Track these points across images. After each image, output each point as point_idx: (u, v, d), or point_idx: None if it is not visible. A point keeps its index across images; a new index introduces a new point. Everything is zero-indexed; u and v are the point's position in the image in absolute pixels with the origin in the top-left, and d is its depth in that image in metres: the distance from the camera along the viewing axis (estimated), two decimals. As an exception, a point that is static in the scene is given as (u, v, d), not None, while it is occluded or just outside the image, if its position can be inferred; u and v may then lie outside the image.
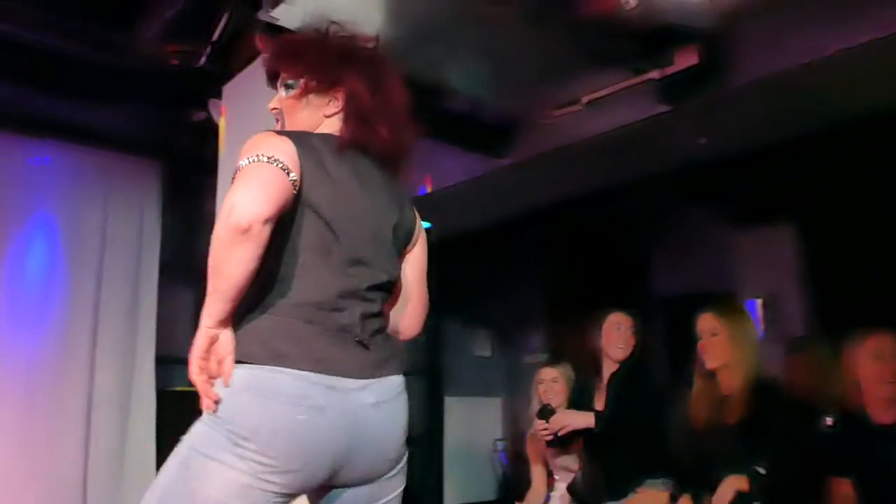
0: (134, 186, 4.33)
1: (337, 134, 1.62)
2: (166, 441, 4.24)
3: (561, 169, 4.07)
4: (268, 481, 1.37)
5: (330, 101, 1.64)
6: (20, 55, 3.04)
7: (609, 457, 3.21)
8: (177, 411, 4.37)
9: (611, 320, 3.37)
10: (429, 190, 4.28)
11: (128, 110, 3.68)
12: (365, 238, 1.56)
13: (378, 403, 1.51)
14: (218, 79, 3.19)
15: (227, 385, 1.39)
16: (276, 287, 1.45)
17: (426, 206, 4.82)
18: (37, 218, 4.00)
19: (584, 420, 3.21)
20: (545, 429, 3.31)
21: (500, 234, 5.21)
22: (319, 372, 1.43)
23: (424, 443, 6.06)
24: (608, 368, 3.36)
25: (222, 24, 2.85)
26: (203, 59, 3.02)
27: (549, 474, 3.58)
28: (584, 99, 3.38)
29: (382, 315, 1.62)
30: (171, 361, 4.39)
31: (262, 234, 1.35)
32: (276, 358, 1.40)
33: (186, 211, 4.46)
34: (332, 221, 1.50)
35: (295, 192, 1.43)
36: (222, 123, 3.20)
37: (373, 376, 1.52)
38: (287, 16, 2.48)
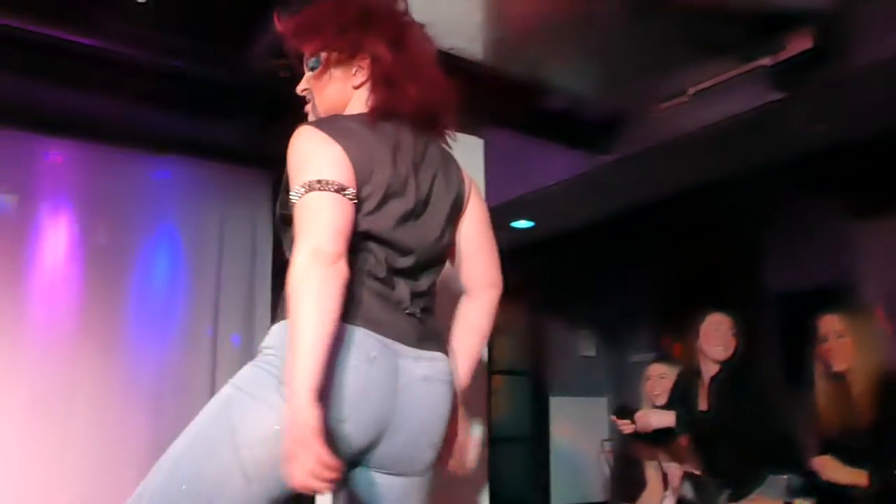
0: (247, 196, 4.50)
1: (367, 107, 1.57)
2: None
3: (667, 163, 3.98)
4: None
5: (356, 70, 1.59)
6: (142, 77, 3.22)
7: (718, 458, 3.13)
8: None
9: (710, 321, 3.31)
10: (531, 189, 4.26)
11: (240, 124, 3.82)
12: (413, 217, 1.53)
13: (428, 379, 1.50)
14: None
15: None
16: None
17: (529, 206, 4.89)
18: (160, 230, 4.23)
19: (664, 419, 3.16)
20: (627, 425, 3.28)
21: (604, 231, 5.14)
22: (377, 332, 1.43)
23: (530, 443, 6.04)
24: (709, 369, 3.29)
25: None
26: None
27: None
28: (692, 90, 3.30)
29: (431, 295, 1.61)
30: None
31: (346, 272, 1.35)
32: (346, 317, 1.38)
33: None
34: (384, 212, 1.48)
35: (354, 203, 1.42)
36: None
37: (424, 348, 1.51)
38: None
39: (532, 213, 5.06)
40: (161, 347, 4.13)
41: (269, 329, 1.52)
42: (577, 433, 6.02)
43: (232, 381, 1.43)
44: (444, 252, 1.63)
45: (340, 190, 1.38)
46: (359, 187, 1.44)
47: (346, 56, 1.58)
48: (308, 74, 1.64)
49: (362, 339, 1.41)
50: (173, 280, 4.26)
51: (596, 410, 6.11)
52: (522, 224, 5.30)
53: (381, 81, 1.56)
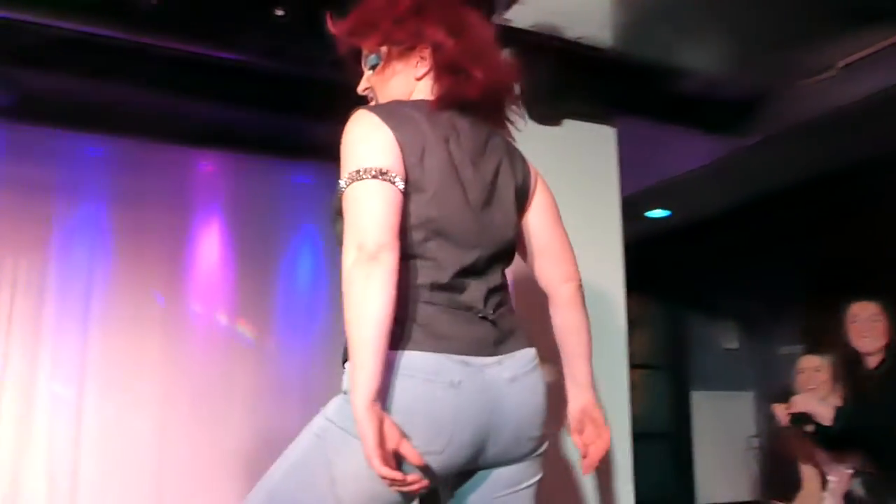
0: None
1: (431, 96, 1.51)
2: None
3: (812, 143, 3.77)
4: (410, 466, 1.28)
5: (417, 62, 1.53)
6: (282, 88, 3.40)
7: (888, 453, 2.93)
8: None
9: (859, 309, 3.12)
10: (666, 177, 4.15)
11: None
12: (477, 208, 1.46)
13: (514, 378, 1.44)
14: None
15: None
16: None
17: (664, 194, 4.75)
18: (303, 232, 4.45)
19: (822, 411, 2.97)
20: (789, 409, 3.11)
21: (744, 217, 4.92)
22: (448, 352, 1.36)
23: (672, 439, 5.87)
24: (864, 360, 3.10)
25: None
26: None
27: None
28: (840, 63, 3.09)
29: (504, 288, 1.53)
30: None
31: (393, 262, 1.28)
32: (406, 341, 1.33)
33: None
34: (440, 199, 1.41)
35: (403, 192, 1.36)
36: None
37: (502, 352, 1.44)
38: (520, 16, 2.54)
39: (667, 202, 4.92)
40: (307, 344, 4.34)
41: None
42: (722, 429, 5.80)
43: (325, 412, 1.39)
44: (512, 244, 1.55)
45: (382, 174, 1.32)
46: (411, 169, 1.38)
47: (406, 48, 1.52)
48: (368, 73, 1.59)
49: (441, 365, 1.34)
50: (316, 279, 4.46)
51: (741, 405, 5.86)
52: (657, 213, 5.16)
53: (445, 69, 1.50)
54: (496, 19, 2.57)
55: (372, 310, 1.25)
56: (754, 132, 3.66)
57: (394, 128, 1.38)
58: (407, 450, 1.26)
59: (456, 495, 1.49)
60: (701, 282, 5.81)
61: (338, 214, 1.39)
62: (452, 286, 1.41)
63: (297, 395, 4.21)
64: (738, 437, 5.76)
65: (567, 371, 1.67)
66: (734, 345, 6.02)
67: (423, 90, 1.53)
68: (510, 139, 1.63)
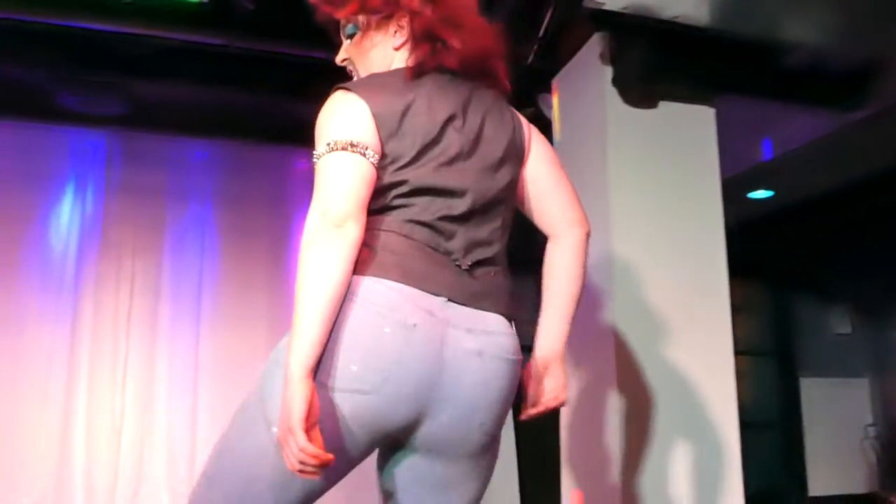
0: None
1: (408, 65, 1.47)
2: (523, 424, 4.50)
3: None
4: (334, 399, 1.23)
5: (396, 31, 1.50)
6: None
7: None
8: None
9: None
10: (772, 155, 3.99)
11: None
12: (460, 160, 1.40)
13: (482, 354, 1.34)
14: (546, 73, 3.30)
15: None
16: (381, 210, 1.35)
17: (767, 174, 4.57)
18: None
19: None
20: None
21: (855, 196, 4.67)
22: (414, 287, 1.30)
23: (781, 428, 5.66)
24: None
25: (547, 19, 2.95)
26: (531, 58, 3.15)
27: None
28: (959, 28, 2.89)
29: (493, 246, 1.44)
30: (525, 350, 4.63)
31: (357, 233, 1.25)
32: (370, 267, 1.30)
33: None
34: (421, 162, 1.37)
35: (376, 164, 1.33)
36: (555, 115, 3.31)
37: (479, 307, 1.36)
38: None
39: (771, 182, 4.73)
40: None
41: None
42: (834, 418, 5.55)
43: (273, 354, 1.35)
44: (504, 194, 1.47)
45: (352, 146, 1.29)
46: (387, 140, 1.34)
47: (384, 17, 1.49)
48: (346, 43, 1.55)
49: (397, 301, 1.28)
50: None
51: (854, 392, 5.59)
52: (760, 194, 4.97)
53: (422, 37, 1.46)
54: (588, 3, 2.54)
55: (327, 277, 1.21)
56: (864, 106, 3.46)
57: (367, 100, 1.35)
58: (317, 437, 1.17)
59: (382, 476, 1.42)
60: (809, 264, 5.58)
61: None
62: (434, 227, 1.36)
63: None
64: (852, 426, 5.50)
65: (545, 318, 1.58)
66: (846, 329, 5.74)
67: (402, 60, 1.49)
68: (501, 98, 1.56)
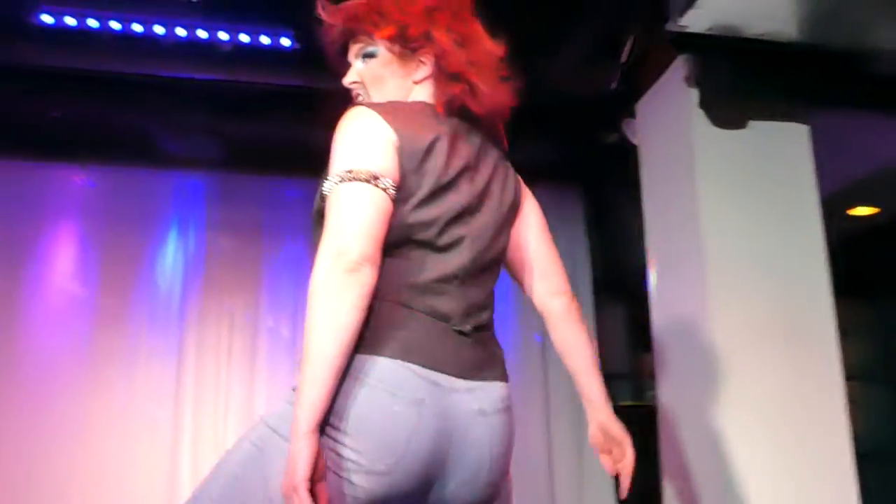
0: (560, 212, 4.63)
1: (429, 101, 1.43)
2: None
3: None
4: (349, 481, 1.15)
5: (418, 64, 1.44)
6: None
7: None
8: (623, 424, 4.52)
9: None
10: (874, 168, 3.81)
11: (547, 143, 3.98)
12: (467, 215, 1.35)
13: (484, 412, 1.30)
14: (629, 98, 3.28)
15: None
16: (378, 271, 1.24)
17: (870, 190, 4.37)
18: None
19: None
20: None
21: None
22: (417, 364, 1.23)
23: (890, 461, 5.31)
24: None
25: (629, 45, 2.94)
26: (614, 83, 3.14)
27: None
28: None
29: (488, 308, 1.40)
30: (612, 377, 4.57)
31: (372, 278, 1.19)
32: (372, 345, 1.21)
33: (611, 229, 4.65)
34: (431, 205, 1.30)
35: (394, 196, 1.25)
36: (640, 141, 3.28)
37: (476, 378, 1.31)
38: (697, 21, 2.47)
39: (874, 198, 4.51)
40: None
41: None
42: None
43: (266, 418, 1.27)
44: (500, 255, 1.45)
45: (374, 179, 1.22)
46: (407, 175, 1.28)
47: (410, 48, 1.43)
48: (359, 65, 1.48)
49: (406, 378, 1.21)
50: (502, 292, 4.52)
51: None
52: (863, 211, 4.75)
53: (451, 77, 1.41)
54: (671, 27, 2.52)
55: (341, 324, 1.14)
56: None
57: (396, 129, 1.29)
58: (322, 493, 1.12)
59: None
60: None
61: (320, 216, 1.28)
62: (431, 290, 1.29)
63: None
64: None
65: (579, 390, 1.59)
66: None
67: (421, 94, 1.45)
68: (503, 151, 1.54)
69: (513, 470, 1.40)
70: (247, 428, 1.29)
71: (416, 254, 1.30)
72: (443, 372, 1.26)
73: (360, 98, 1.48)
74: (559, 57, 3.21)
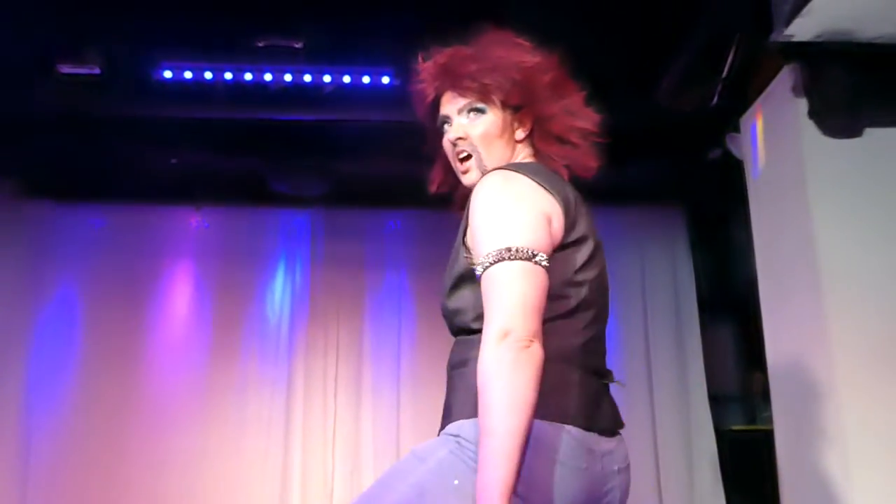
0: (663, 233, 4.58)
1: (538, 161, 1.43)
2: (730, 480, 4.27)
3: None
4: None
5: (516, 123, 1.43)
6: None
7: None
8: (734, 450, 4.39)
9: None
10: None
11: (649, 164, 3.94)
12: (602, 277, 1.37)
13: (621, 470, 1.32)
14: (732, 112, 3.22)
15: None
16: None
17: None
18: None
19: None
20: None
21: None
22: (582, 427, 1.24)
23: None
24: None
25: (731, 57, 2.89)
26: (715, 98, 3.08)
27: None
28: None
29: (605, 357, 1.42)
30: (721, 399, 4.43)
31: (542, 352, 1.17)
32: (545, 410, 1.20)
33: (715, 246, 4.54)
34: (588, 267, 1.32)
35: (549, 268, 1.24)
36: (744, 155, 3.21)
37: (617, 432, 1.34)
38: (804, 28, 2.40)
39: None
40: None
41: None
42: None
43: (430, 464, 1.26)
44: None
45: (533, 257, 1.21)
46: (565, 237, 1.29)
47: (515, 105, 1.42)
48: (463, 121, 1.44)
49: (570, 445, 1.23)
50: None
51: None
52: None
53: (555, 139, 1.42)
54: (777, 37, 2.46)
55: (523, 399, 1.14)
56: None
57: (552, 196, 1.29)
58: None
59: None
60: None
61: (460, 281, 1.32)
62: (587, 349, 1.31)
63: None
64: None
65: None
66: None
67: (524, 154, 1.44)
68: None
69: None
70: (398, 461, 1.32)
71: (572, 315, 1.30)
72: (599, 433, 1.28)
73: (463, 154, 1.44)
74: (663, 77, 3.19)
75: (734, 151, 3.37)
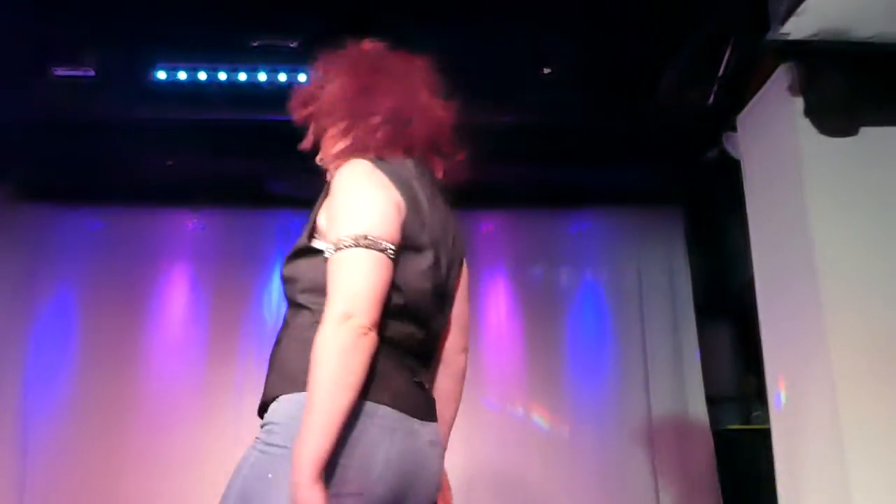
0: (660, 235, 4.57)
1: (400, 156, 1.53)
2: (727, 481, 4.27)
3: None
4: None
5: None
6: (556, 140, 3.53)
7: None
8: (732, 450, 4.38)
9: None
10: None
11: (645, 166, 3.94)
12: (442, 276, 1.48)
13: (433, 443, 1.43)
14: (729, 112, 3.21)
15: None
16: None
17: None
18: (583, 279, 4.50)
19: None
20: None
21: None
22: (396, 408, 1.34)
23: None
24: None
25: (727, 56, 2.89)
26: (711, 98, 3.08)
27: None
28: None
29: (434, 360, 1.57)
30: (718, 400, 4.42)
31: (376, 342, 1.27)
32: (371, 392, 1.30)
33: (713, 248, 4.53)
34: (436, 260, 1.44)
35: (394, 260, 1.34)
36: (742, 155, 3.20)
37: (427, 419, 1.44)
38: (801, 27, 2.40)
39: None
40: (598, 388, 4.33)
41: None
42: None
43: (241, 473, 1.32)
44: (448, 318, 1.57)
45: (386, 250, 1.30)
46: (406, 238, 1.37)
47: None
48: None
49: (385, 415, 1.32)
50: (600, 324, 4.47)
51: None
52: None
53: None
54: (773, 35, 2.45)
55: (350, 382, 1.22)
56: None
57: (400, 192, 1.39)
58: None
59: None
60: None
61: (301, 253, 1.41)
62: (409, 348, 1.41)
63: (592, 440, 4.22)
64: None
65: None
66: None
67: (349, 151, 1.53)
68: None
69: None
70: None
71: (402, 316, 1.38)
72: (413, 416, 1.38)
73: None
74: (660, 78, 3.18)
75: (731, 151, 3.36)
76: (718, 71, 2.95)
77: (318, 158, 1.60)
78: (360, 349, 1.24)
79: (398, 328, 1.37)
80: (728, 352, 4.55)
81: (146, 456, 4.13)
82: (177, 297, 4.46)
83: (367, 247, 1.29)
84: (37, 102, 3.34)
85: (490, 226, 4.60)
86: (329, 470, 1.22)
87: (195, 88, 3.33)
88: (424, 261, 1.41)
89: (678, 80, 3.03)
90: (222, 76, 3.30)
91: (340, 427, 1.22)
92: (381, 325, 1.31)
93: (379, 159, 1.44)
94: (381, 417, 1.31)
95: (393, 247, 1.32)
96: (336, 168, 1.45)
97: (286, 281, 1.44)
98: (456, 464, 3.98)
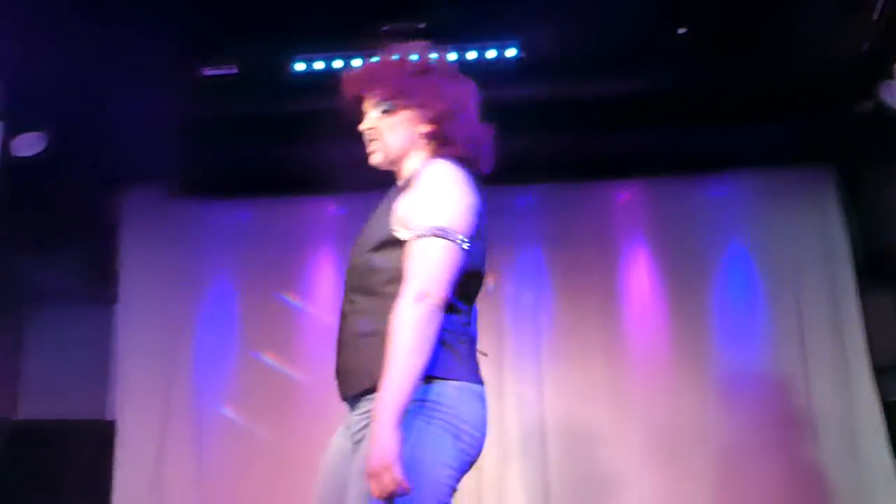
0: (809, 195, 4.31)
1: (433, 156, 1.72)
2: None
3: None
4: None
5: (418, 121, 1.76)
6: (691, 102, 3.39)
7: None
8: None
9: None
10: None
11: (791, 120, 3.71)
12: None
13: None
14: (885, 59, 2.97)
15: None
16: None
17: None
18: (731, 246, 4.32)
19: None
20: None
21: None
22: (475, 382, 1.60)
23: None
24: None
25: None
26: (866, 43, 2.85)
27: None
28: None
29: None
30: (884, 370, 4.12)
31: (441, 319, 1.48)
32: (451, 370, 1.53)
33: (871, 207, 4.22)
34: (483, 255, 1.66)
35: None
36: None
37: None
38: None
39: None
40: (751, 361, 4.15)
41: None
42: None
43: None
44: None
45: (464, 245, 1.51)
46: (476, 235, 1.58)
47: (415, 104, 1.76)
48: (374, 115, 1.82)
49: (477, 390, 1.59)
50: (749, 294, 4.26)
51: None
52: None
53: (456, 139, 1.73)
54: None
55: (427, 350, 1.44)
56: None
57: (475, 196, 1.61)
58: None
59: None
60: None
61: (387, 244, 1.58)
62: (472, 332, 1.67)
63: (753, 416, 4.06)
64: None
65: None
66: None
67: (423, 146, 1.73)
68: None
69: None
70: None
71: (464, 300, 1.62)
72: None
73: (373, 140, 1.79)
74: (801, 23, 2.98)
75: (890, 101, 3.11)
76: (873, 14, 2.72)
77: (375, 139, 1.80)
78: (433, 324, 1.45)
79: (463, 309, 1.60)
80: (894, 319, 4.24)
81: (314, 434, 4.31)
82: (324, 284, 4.61)
83: (444, 237, 1.50)
84: (187, 102, 3.55)
85: (627, 195, 4.48)
86: (455, 435, 1.50)
87: (331, 77, 3.43)
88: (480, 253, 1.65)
89: (826, 23, 2.82)
90: (357, 63, 3.40)
91: (414, 385, 1.42)
92: (450, 307, 1.52)
93: (459, 164, 1.65)
94: (480, 393, 1.60)
95: (468, 240, 1.52)
96: (422, 162, 1.68)
97: (371, 272, 1.61)
98: (604, 440, 4.04)
